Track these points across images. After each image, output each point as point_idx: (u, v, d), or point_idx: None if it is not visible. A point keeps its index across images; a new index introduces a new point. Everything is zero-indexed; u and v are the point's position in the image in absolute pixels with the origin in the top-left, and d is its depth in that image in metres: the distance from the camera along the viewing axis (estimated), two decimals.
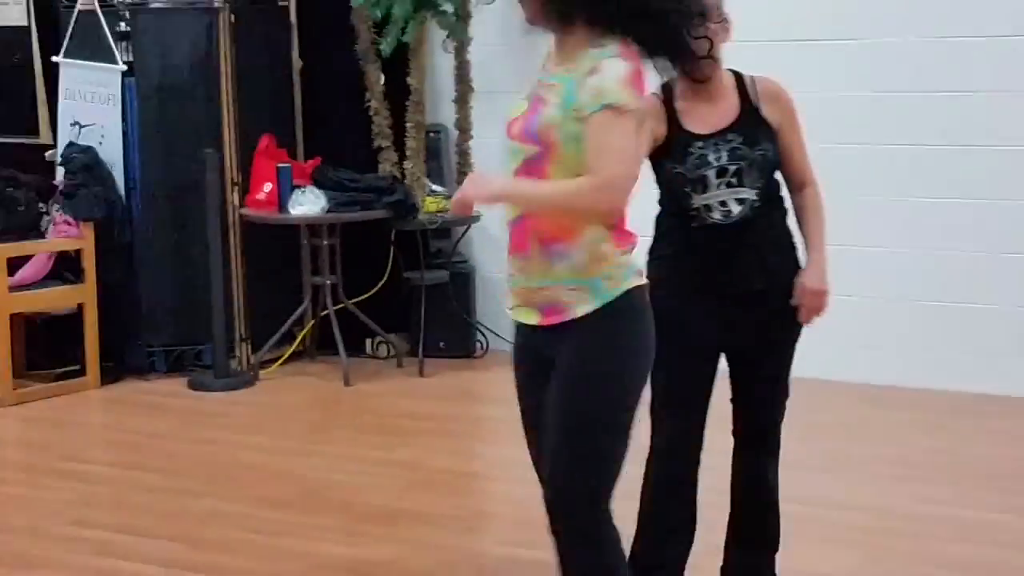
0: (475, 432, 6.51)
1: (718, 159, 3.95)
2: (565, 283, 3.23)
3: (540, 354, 3.32)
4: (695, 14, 3.32)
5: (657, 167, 3.97)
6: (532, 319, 3.28)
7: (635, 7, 3.15)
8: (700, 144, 3.95)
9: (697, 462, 4.15)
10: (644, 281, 3.31)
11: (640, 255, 3.66)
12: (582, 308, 3.21)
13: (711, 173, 3.94)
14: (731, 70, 4.05)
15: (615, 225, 3.24)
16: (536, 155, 3.21)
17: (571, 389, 3.22)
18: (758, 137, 4.00)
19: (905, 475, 5.61)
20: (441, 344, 7.44)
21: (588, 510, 3.26)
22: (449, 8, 7.24)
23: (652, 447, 4.12)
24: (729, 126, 3.98)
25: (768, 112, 4.04)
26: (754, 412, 4.24)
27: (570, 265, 3.22)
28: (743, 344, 4.13)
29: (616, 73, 3.11)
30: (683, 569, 4.21)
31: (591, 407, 3.22)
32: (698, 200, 3.96)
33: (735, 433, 4.26)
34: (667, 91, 3.90)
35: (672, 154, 3.95)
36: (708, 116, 3.99)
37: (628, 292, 3.23)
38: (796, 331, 4.15)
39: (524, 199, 3.31)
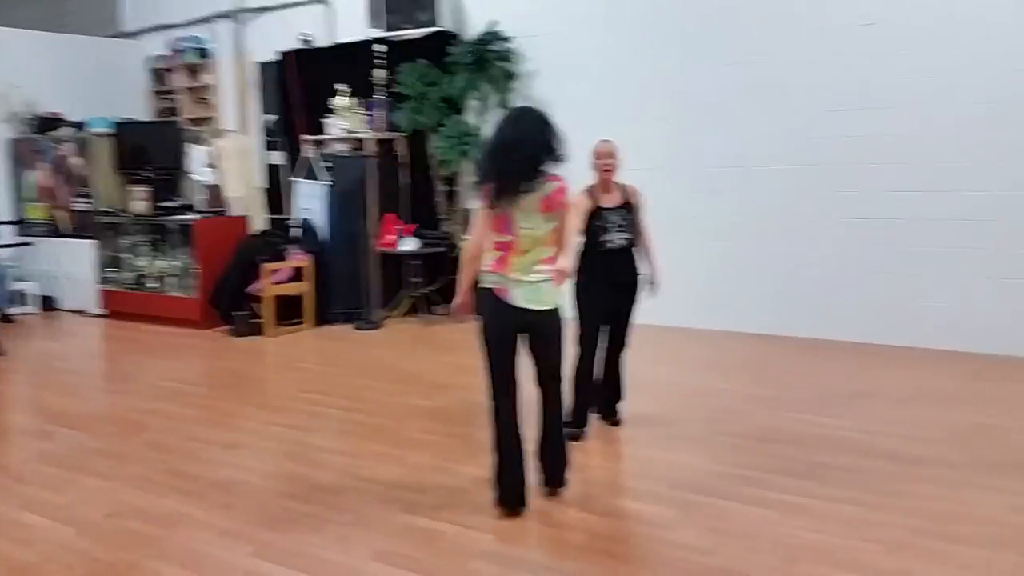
0: None
1: (614, 218, 3.78)
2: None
3: None
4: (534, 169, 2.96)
5: (587, 223, 3.75)
6: None
7: (497, 178, 2.95)
8: (607, 212, 3.79)
9: (594, 354, 3.91)
10: (492, 287, 3.02)
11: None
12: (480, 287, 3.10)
13: (611, 225, 3.78)
14: (615, 181, 3.84)
15: (492, 260, 3.03)
16: None
17: None
18: (629, 210, 3.83)
19: (686, 366, 5.33)
20: None
21: (488, 397, 3.12)
22: (476, 157, 6.86)
23: (580, 348, 3.87)
24: (619, 205, 3.82)
25: (632, 200, 3.86)
26: (619, 334, 4.01)
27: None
28: (618, 305, 3.93)
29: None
30: (591, 395, 4.00)
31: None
32: (604, 237, 3.78)
33: (609, 343, 4.01)
34: (592, 189, 3.75)
35: (596, 217, 3.77)
36: (610, 200, 3.81)
37: (483, 288, 3.05)
38: (638, 301, 3.94)
39: (463, 271, 3.15)
